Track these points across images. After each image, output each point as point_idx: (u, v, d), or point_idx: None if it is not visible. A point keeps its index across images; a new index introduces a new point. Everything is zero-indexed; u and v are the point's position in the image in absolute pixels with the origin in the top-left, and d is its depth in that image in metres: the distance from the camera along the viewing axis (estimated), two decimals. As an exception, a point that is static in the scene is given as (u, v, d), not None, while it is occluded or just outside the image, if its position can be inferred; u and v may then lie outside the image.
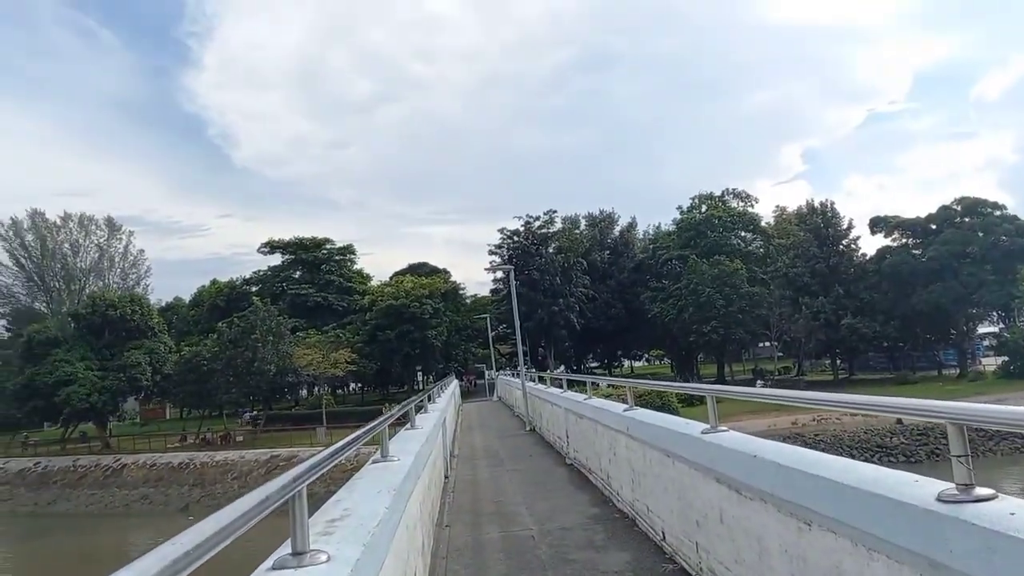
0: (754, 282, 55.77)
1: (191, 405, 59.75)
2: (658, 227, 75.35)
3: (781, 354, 67.22)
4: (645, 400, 29.01)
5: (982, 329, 61.15)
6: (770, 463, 3.89)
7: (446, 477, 12.63)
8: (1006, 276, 49.66)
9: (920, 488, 2.69)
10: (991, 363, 53.94)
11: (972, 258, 50.71)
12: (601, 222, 75.53)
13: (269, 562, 2.45)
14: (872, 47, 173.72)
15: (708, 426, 5.36)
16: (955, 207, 54.50)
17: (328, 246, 75.32)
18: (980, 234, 51.61)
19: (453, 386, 31.49)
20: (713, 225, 63.29)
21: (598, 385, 16.47)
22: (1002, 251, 50.23)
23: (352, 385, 76.08)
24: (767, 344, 66.33)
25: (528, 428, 21.05)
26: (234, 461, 42.22)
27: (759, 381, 54.72)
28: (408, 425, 8.53)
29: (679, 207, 71.95)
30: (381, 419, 5.84)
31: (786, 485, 3.65)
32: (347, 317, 66.73)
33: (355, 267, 77.70)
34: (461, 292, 74.68)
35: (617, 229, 75.83)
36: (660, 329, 61.72)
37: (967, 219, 53.17)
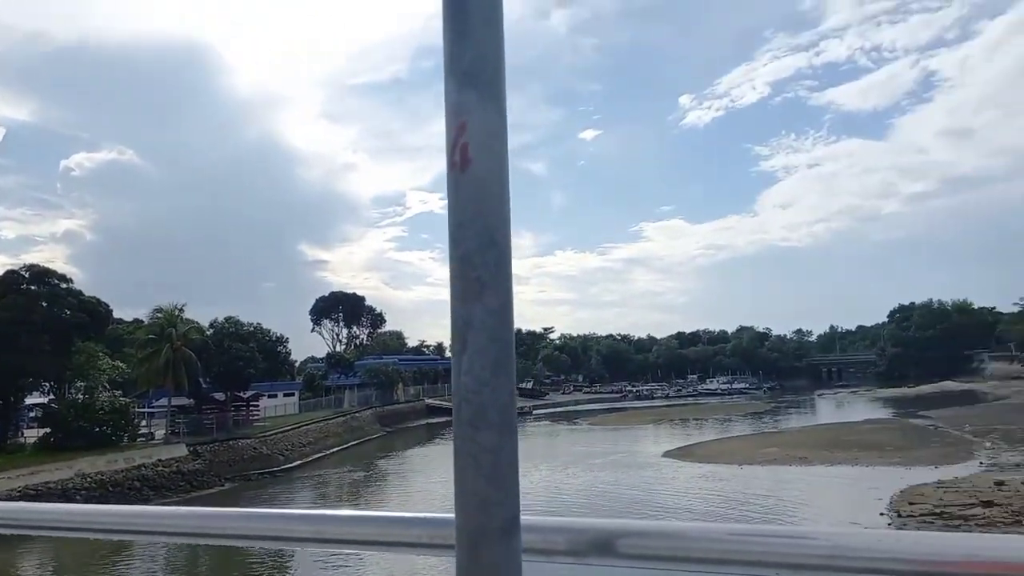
0: None
1: None
2: None
3: None
4: None
5: (32, 400, 60.48)
6: None
7: None
8: (64, 348, 51.07)
9: None
10: (34, 434, 53.78)
11: (34, 326, 50.10)
12: None
13: None
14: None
15: None
16: (24, 273, 53.29)
17: None
18: (44, 304, 51.66)
19: None
20: None
21: None
22: (65, 323, 51.37)
23: None
24: None
25: None
26: None
27: None
28: None
29: None
30: None
31: None
32: None
33: None
34: None
35: None
36: None
37: (34, 287, 52.58)
